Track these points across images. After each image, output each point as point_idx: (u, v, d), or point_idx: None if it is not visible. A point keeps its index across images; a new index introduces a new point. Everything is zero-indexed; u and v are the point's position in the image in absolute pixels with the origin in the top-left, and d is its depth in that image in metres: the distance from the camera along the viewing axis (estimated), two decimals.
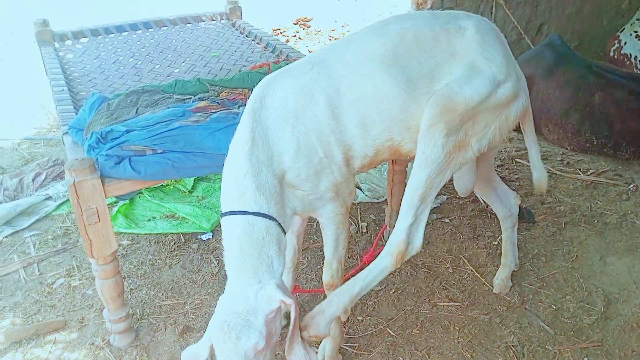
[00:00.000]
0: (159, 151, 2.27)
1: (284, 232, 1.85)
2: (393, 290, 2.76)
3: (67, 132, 2.62)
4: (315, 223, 3.34)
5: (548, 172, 3.70)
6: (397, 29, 1.96)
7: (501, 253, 2.75)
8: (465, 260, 2.96)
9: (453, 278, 2.84)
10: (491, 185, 2.58)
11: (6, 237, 3.32)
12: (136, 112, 2.53)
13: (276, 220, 1.81)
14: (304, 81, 1.92)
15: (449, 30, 1.96)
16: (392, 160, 2.89)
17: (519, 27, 5.65)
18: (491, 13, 5.61)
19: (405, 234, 1.99)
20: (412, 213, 1.98)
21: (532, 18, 5.94)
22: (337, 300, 2.03)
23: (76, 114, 2.81)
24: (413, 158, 2.13)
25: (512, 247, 2.70)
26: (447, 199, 3.47)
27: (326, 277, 2.22)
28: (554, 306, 2.66)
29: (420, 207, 1.99)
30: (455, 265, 2.92)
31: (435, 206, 3.38)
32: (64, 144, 2.64)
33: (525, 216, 3.24)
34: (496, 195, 2.59)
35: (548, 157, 3.94)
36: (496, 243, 3.06)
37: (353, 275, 2.80)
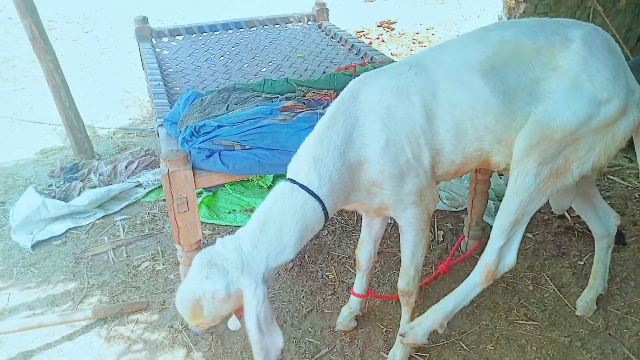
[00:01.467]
0: (246, 147, 2.35)
1: (325, 219, 1.84)
2: (468, 304, 2.69)
3: (162, 124, 2.77)
4: (390, 227, 3.32)
5: None
6: (498, 37, 1.90)
7: (587, 273, 2.61)
8: (548, 279, 2.83)
9: (533, 296, 2.72)
10: (590, 201, 2.44)
11: (99, 219, 3.56)
12: (227, 109, 2.63)
13: (322, 203, 1.80)
14: (400, 80, 1.91)
15: (553, 43, 1.86)
16: (476, 169, 2.82)
17: (617, 35, 5.33)
18: (588, 20, 5.33)
19: (495, 254, 2.05)
20: (504, 236, 2.01)
21: (632, 26, 5.59)
22: (433, 316, 2.18)
23: (170, 107, 2.96)
24: (501, 169, 2.07)
25: (604, 268, 2.55)
26: None
27: (402, 283, 2.21)
28: None
29: (512, 231, 2.01)
30: (536, 283, 2.80)
31: None
32: (158, 135, 2.79)
33: (615, 237, 3.05)
34: (595, 212, 2.44)
35: None
36: (582, 263, 2.91)
37: (427, 284, 2.80)
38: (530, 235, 3.15)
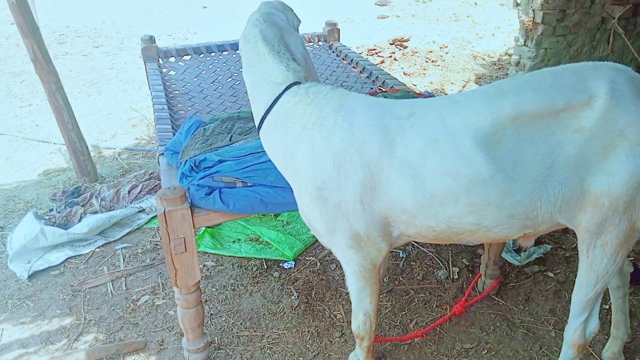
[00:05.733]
0: (248, 184, 2.22)
1: None
2: (486, 351, 2.51)
3: (162, 154, 2.65)
4: (402, 263, 3.16)
5: None
6: (511, 109, 1.65)
7: (611, 320, 2.42)
8: None
9: (555, 343, 2.54)
10: None
11: (99, 247, 3.43)
12: (230, 139, 2.50)
13: None
14: (393, 124, 1.75)
15: (573, 106, 1.63)
16: None
17: (639, 58, 5.15)
18: (608, 43, 5.17)
19: (581, 329, 1.99)
20: (587, 311, 1.96)
21: None
22: None
23: (173, 133, 2.84)
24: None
25: (624, 317, 2.38)
26: (551, 249, 3.15)
27: (353, 326, 2.14)
28: None
29: (592, 304, 1.95)
30: (558, 328, 2.61)
31: (537, 256, 3.07)
32: (159, 164, 2.67)
33: (633, 276, 2.85)
34: None
35: None
36: (607, 307, 2.72)
37: (439, 326, 2.63)
38: (551, 275, 2.97)
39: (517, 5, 5.33)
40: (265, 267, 3.20)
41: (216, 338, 2.68)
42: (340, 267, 3.11)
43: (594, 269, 1.82)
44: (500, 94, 1.70)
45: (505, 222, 1.75)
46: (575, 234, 1.85)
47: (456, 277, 3.02)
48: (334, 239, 1.90)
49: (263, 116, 1.93)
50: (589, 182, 1.67)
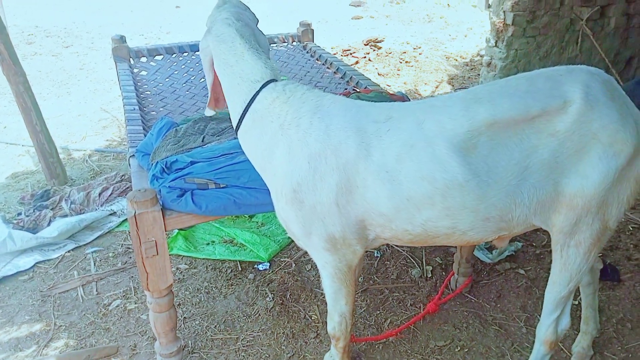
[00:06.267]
0: (221, 185, 2.20)
1: None
2: (459, 348, 2.54)
3: (133, 155, 2.61)
4: (376, 262, 3.17)
5: (636, 224, 3.38)
6: (486, 116, 1.66)
7: (581, 315, 2.47)
8: None
9: (527, 339, 2.58)
10: None
11: (69, 251, 3.36)
12: (202, 140, 2.48)
13: None
14: (369, 128, 1.75)
15: (549, 111, 1.64)
16: None
17: (606, 59, 5.29)
18: (577, 43, 5.28)
19: (553, 326, 2.02)
20: (559, 308, 1.99)
21: (620, 50, 5.55)
22: None
23: (145, 135, 2.80)
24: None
25: (594, 312, 2.43)
26: (522, 246, 3.20)
27: (329, 327, 2.15)
28: None
29: (565, 301, 1.99)
30: (530, 324, 2.66)
31: (509, 254, 3.12)
32: (129, 166, 2.62)
33: (609, 274, 2.93)
34: None
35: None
36: (577, 303, 2.77)
37: (414, 324, 2.65)
38: (522, 272, 3.02)
39: (489, 7, 5.41)
40: (240, 269, 3.18)
41: (190, 342, 2.65)
42: (316, 268, 3.10)
43: (568, 268, 1.85)
44: (476, 101, 1.71)
45: (481, 225, 1.76)
46: (545, 231, 1.89)
47: (430, 275, 3.05)
48: (310, 241, 1.90)
49: (241, 115, 1.91)
50: (562, 184, 1.69)
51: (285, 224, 1.95)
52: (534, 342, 2.55)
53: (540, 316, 2.69)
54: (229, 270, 3.16)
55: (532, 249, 3.19)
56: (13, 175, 4.35)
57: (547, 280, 2.93)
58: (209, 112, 2.10)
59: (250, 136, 1.91)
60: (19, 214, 3.66)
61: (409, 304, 2.84)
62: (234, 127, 1.96)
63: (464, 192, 1.68)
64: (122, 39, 4.00)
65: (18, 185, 4.19)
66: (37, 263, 3.25)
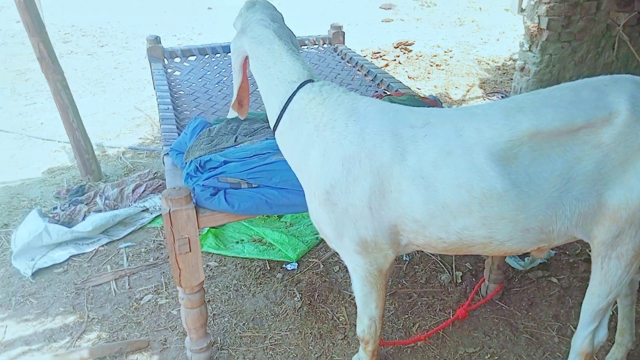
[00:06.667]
0: (254, 185, 2.22)
1: None
2: (489, 356, 2.51)
3: (167, 153, 2.65)
4: (405, 266, 3.16)
5: None
6: (529, 126, 1.63)
7: (617, 327, 2.42)
8: (574, 330, 2.63)
9: (559, 349, 2.53)
10: None
11: (102, 246, 3.44)
12: (235, 140, 2.51)
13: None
14: (405, 133, 1.74)
15: (593, 123, 1.61)
16: None
17: None
18: (613, 49, 5.17)
19: (589, 338, 1.97)
20: (597, 320, 1.94)
21: None
22: None
23: (178, 133, 2.85)
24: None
25: (630, 324, 2.37)
26: (555, 254, 3.15)
27: (358, 329, 2.15)
28: None
29: (603, 313, 1.93)
30: (562, 334, 2.61)
31: (541, 262, 3.07)
32: (164, 164, 2.67)
33: None
34: None
35: None
36: (611, 313, 2.71)
37: (442, 329, 2.62)
38: (555, 280, 2.96)
39: (522, 10, 5.33)
40: (268, 268, 3.20)
41: (219, 338, 2.68)
42: (344, 269, 3.12)
43: (608, 280, 1.81)
44: (518, 110, 1.68)
45: (519, 236, 1.74)
46: (579, 239, 1.85)
47: (459, 281, 3.02)
48: (341, 243, 1.90)
49: (279, 116, 1.92)
50: (606, 196, 1.65)
51: (317, 225, 1.96)
52: (566, 351, 2.53)
53: (573, 326, 2.67)
54: (257, 269, 3.19)
55: (566, 257, 3.13)
56: (49, 171, 4.47)
57: (580, 289, 2.90)
58: (231, 114, 2.12)
59: (288, 137, 1.92)
60: (55, 208, 3.75)
61: (437, 309, 2.82)
62: (272, 128, 1.97)
63: (503, 202, 1.65)
64: (157, 40, 4.07)
65: (54, 180, 4.31)
66: (71, 256, 3.33)
